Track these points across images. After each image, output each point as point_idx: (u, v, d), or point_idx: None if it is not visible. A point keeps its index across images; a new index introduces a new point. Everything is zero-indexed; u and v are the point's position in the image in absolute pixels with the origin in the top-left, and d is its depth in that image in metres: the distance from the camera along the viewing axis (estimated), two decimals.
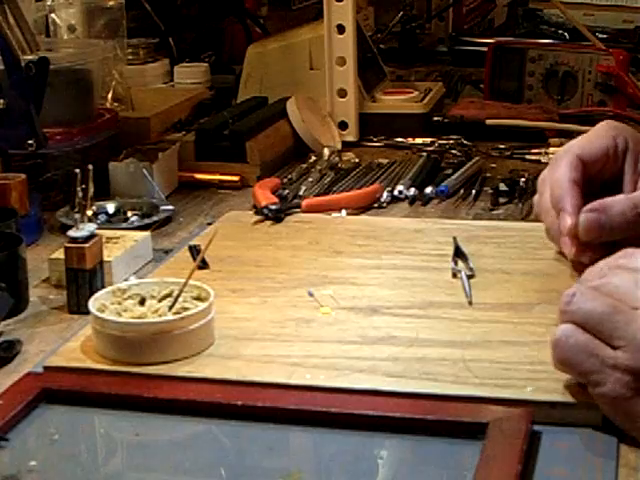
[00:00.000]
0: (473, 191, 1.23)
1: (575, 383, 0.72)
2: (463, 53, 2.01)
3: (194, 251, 0.99)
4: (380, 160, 1.37)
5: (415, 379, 0.75)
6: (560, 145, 1.39)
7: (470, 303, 0.88)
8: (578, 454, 0.67)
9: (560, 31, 2.04)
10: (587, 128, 1.43)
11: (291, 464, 0.69)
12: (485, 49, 1.71)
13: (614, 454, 0.67)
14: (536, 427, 0.69)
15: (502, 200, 1.20)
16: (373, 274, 0.95)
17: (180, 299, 0.82)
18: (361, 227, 1.08)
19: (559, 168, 0.91)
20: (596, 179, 0.93)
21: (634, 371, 0.66)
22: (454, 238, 1.00)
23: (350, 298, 0.90)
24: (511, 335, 0.81)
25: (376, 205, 1.19)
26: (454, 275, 0.94)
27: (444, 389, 0.73)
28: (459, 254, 0.97)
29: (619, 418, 0.68)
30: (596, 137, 0.93)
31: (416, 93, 1.56)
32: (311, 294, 0.90)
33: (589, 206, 0.87)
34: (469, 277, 0.93)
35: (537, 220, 0.98)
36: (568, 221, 0.88)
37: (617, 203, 0.87)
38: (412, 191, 1.21)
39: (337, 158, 1.34)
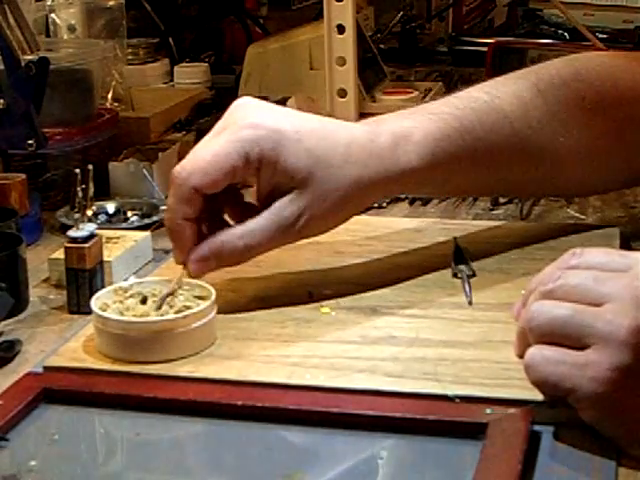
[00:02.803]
0: None
1: None
2: (463, 53, 2.01)
3: None
4: None
5: (415, 379, 0.75)
6: None
7: (470, 303, 0.88)
8: (578, 454, 0.67)
9: (560, 31, 2.04)
10: None
11: (291, 464, 0.69)
12: (485, 49, 1.71)
13: (614, 454, 0.67)
14: (536, 427, 0.69)
15: (502, 200, 1.20)
16: (373, 274, 0.95)
17: (173, 298, 0.82)
18: (361, 227, 1.08)
19: (171, 200, 0.84)
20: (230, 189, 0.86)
21: (611, 365, 0.65)
22: (454, 238, 1.00)
23: (350, 298, 0.90)
24: (511, 335, 0.81)
25: (376, 205, 1.19)
26: (454, 275, 0.94)
27: (444, 389, 0.73)
28: (459, 254, 0.97)
29: (607, 422, 0.67)
30: (219, 156, 0.83)
31: (416, 93, 1.56)
32: (311, 294, 0.90)
33: (196, 254, 0.84)
34: (469, 277, 0.93)
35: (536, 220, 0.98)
36: (179, 259, 0.86)
37: (226, 244, 0.84)
38: None
39: None
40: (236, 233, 0.85)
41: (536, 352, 0.68)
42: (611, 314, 0.66)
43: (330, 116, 1.45)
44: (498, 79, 0.97)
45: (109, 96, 1.44)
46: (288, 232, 0.85)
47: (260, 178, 0.85)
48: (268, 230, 0.85)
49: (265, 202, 0.86)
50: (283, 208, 0.84)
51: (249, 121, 0.85)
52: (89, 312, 0.82)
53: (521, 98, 0.95)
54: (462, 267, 0.94)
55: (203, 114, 1.49)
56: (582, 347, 0.67)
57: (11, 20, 1.12)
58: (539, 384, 0.69)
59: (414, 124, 0.90)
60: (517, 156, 0.95)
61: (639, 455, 0.66)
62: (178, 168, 0.84)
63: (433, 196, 1.02)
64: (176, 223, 0.84)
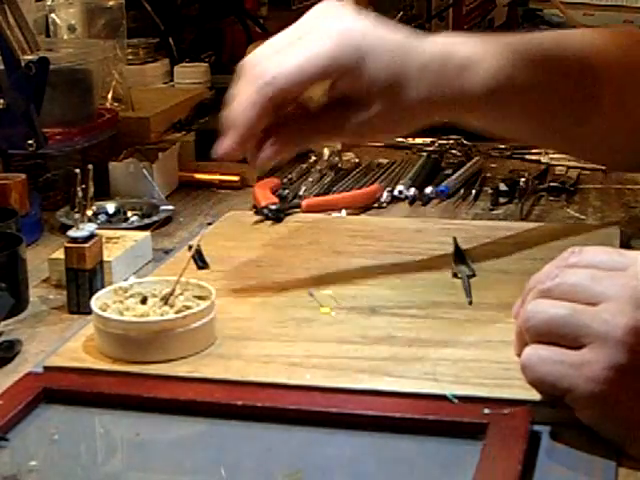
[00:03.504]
0: (473, 191, 1.23)
1: None
2: None
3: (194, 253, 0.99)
4: (380, 160, 1.37)
5: (415, 379, 0.75)
6: None
7: (470, 303, 0.88)
8: (578, 454, 0.67)
9: None
10: None
11: (291, 464, 0.69)
12: None
13: (614, 454, 0.67)
14: (536, 427, 0.69)
15: (502, 200, 1.20)
16: (373, 274, 0.95)
17: (173, 298, 0.82)
18: (361, 227, 1.08)
19: (247, 98, 0.85)
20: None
21: (607, 364, 0.65)
22: (454, 238, 1.00)
23: (350, 298, 0.90)
24: (511, 335, 0.81)
25: (376, 205, 1.19)
26: (454, 275, 0.94)
27: (444, 389, 0.73)
28: (459, 254, 0.97)
29: (604, 422, 0.67)
30: (313, 60, 0.85)
31: None
32: (311, 294, 0.90)
33: (270, 142, 0.86)
34: (469, 277, 0.93)
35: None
36: (236, 148, 0.85)
37: (294, 140, 0.89)
38: (412, 191, 1.21)
39: (337, 158, 1.34)
40: (308, 122, 0.88)
41: (532, 352, 0.69)
42: (607, 313, 0.66)
43: None
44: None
45: (109, 96, 1.44)
46: (355, 135, 0.90)
47: (335, 86, 0.87)
48: (337, 127, 0.88)
49: (332, 108, 0.88)
50: (356, 115, 0.87)
51: (331, 31, 0.86)
52: (89, 312, 0.82)
53: (593, 46, 0.96)
54: (462, 267, 0.95)
55: (203, 114, 1.49)
56: (579, 347, 0.67)
57: (11, 20, 1.12)
58: (536, 384, 0.69)
59: (486, 50, 0.90)
60: (577, 103, 0.95)
61: (638, 455, 0.66)
62: (261, 69, 0.85)
63: (492, 132, 1.03)
64: (246, 118, 0.84)
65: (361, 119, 0.87)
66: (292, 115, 0.88)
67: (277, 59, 0.85)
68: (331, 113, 0.88)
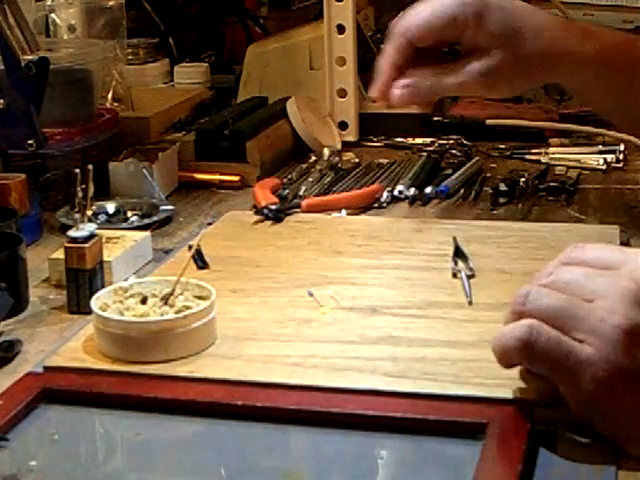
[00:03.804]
0: (473, 191, 1.23)
1: None
2: None
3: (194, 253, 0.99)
4: (380, 160, 1.37)
5: (415, 379, 0.75)
6: (560, 145, 1.39)
7: (470, 303, 0.88)
8: (578, 455, 0.67)
9: None
10: (587, 128, 1.44)
11: (291, 464, 0.69)
12: None
13: (614, 455, 0.67)
14: (536, 427, 0.69)
15: (502, 200, 1.20)
16: (373, 274, 0.95)
17: (173, 298, 0.82)
18: (361, 227, 1.08)
19: (387, 49, 1.05)
20: (445, 44, 1.08)
21: (602, 365, 0.65)
22: (454, 238, 1.00)
23: (350, 298, 0.90)
24: None
25: (376, 205, 1.19)
26: (454, 275, 0.94)
27: (444, 389, 0.73)
28: (459, 254, 0.97)
29: (603, 421, 0.67)
30: (437, 14, 1.03)
31: None
32: (311, 294, 0.90)
33: (401, 83, 1.04)
34: (469, 277, 0.93)
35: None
36: (380, 90, 1.05)
37: (426, 82, 1.04)
38: (412, 191, 1.21)
39: (337, 158, 1.34)
40: (440, 73, 1.05)
41: (541, 329, 0.67)
42: (603, 310, 0.66)
43: (330, 116, 1.46)
44: None
45: (109, 96, 1.44)
46: (479, 84, 1.03)
47: (464, 37, 1.03)
48: (463, 76, 1.03)
49: (460, 60, 1.05)
50: (479, 63, 1.02)
51: None
52: (89, 312, 0.82)
53: None
54: (462, 267, 0.95)
55: (203, 114, 1.49)
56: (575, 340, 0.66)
57: (11, 20, 1.12)
58: (537, 362, 0.68)
59: (603, 30, 1.06)
60: None
61: (638, 454, 0.66)
62: (398, 22, 1.05)
63: (587, 99, 1.17)
64: (386, 64, 1.04)
65: (485, 67, 1.01)
66: (426, 67, 1.05)
67: (410, 16, 1.04)
68: (459, 64, 1.04)
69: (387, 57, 1.04)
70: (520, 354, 0.68)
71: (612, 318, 0.65)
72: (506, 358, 0.69)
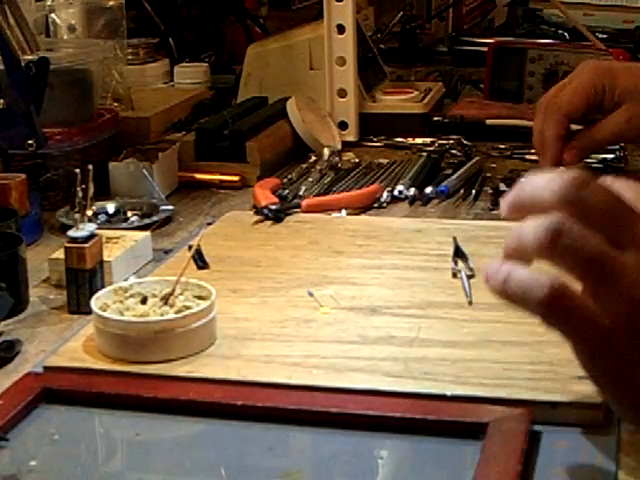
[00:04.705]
0: (473, 191, 1.23)
1: (574, 382, 0.72)
2: (463, 53, 2.01)
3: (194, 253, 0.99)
4: (380, 160, 1.37)
5: (415, 379, 0.75)
6: None
7: (470, 303, 0.88)
8: (578, 454, 0.67)
9: (560, 31, 2.04)
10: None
11: (291, 464, 0.69)
12: (485, 49, 1.71)
13: (614, 454, 0.67)
14: (536, 427, 0.69)
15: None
16: (373, 274, 0.95)
17: (173, 298, 0.82)
18: (361, 227, 1.08)
19: (548, 126, 1.21)
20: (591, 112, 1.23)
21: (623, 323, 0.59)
22: (454, 238, 1.00)
23: (350, 298, 0.90)
24: (511, 335, 0.81)
25: (376, 205, 1.19)
26: (454, 275, 0.94)
27: (444, 389, 0.73)
28: (459, 254, 0.97)
29: (605, 381, 0.62)
30: (581, 87, 1.21)
31: (416, 93, 1.56)
32: (311, 294, 0.90)
33: (572, 146, 1.21)
34: (469, 277, 0.93)
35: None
36: (547, 166, 1.20)
37: (587, 138, 1.22)
38: (412, 191, 1.21)
39: (337, 158, 1.34)
40: (592, 131, 1.22)
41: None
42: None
43: (330, 116, 1.45)
44: None
45: (109, 96, 1.44)
46: (623, 131, 1.22)
47: (605, 100, 1.21)
48: (611, 126, 1.22)
49: (601, 120, 1.23)
50: (619, 114, 1.21)
51: (589, 66, 1.24)
52: (89, 312, 0.82)
53: None
54: (462, 267, 0.95)
55: (203, 114, 1.49)
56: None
57: (11, 20, 1.12)
58: (561, 261, 0.60)
59: None
60: None
61: (633, 422, 0.64)
62: (546, 99, 1.24)
63: None
64: (548, 141, 1.21)
65: (627, 115, 1.20)
66: (577, 131, 1.23)
67: (557, 92, 1.23)
68: (601, 121, 1.22)
69: (550, 132, 1.21)
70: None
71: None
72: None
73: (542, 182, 0.62)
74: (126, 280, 0.90)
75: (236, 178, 1.29)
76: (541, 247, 0.60)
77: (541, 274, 0.60)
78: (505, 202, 0.65)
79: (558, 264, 0.60)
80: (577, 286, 0.61)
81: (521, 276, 0.60)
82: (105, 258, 0.94)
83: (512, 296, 0.61)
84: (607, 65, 1.26)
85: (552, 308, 0.59)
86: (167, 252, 1.06)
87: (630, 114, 1.22)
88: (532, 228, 0.61)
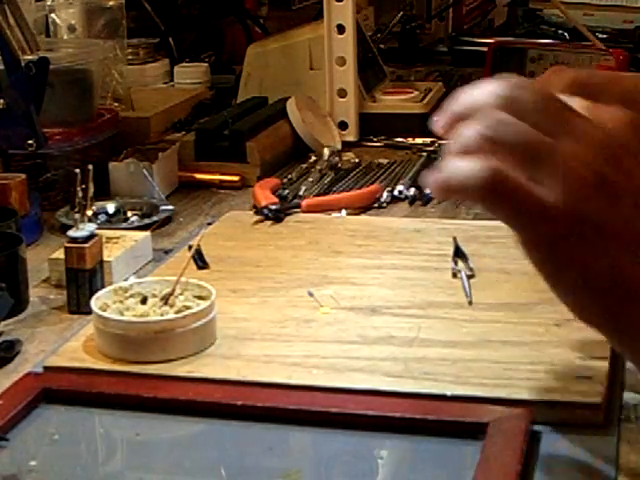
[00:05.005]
0: None
1: (574, 382, 0.72)
2: (463, 53, 2.01)
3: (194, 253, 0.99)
4: (380, 160, 1.37)
5: (415, 379, 0.75)
6: None
7: (470, 303, 0.88)
8: (578, 454, 0.67)
9: (560, 31, 2.04)
10: None
11: (291, 464, 0.69)
12: (485, 49, 1.71)
13: (614, 454, 0.67)
14: (536, 427, 0.69)
15: None
16: (373, 274, 0.95)
17: (173, 298, 0.82)
18: (361, 227, 1.08)
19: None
20: None
21: (563, 213, 0.58)
22: (454, 238, 1.00)
23: (350, 298, 0.90)
24: (511, 335, 0.81)
25: (376, 205, 1.19)
26: (454, 275, 0.94)
27: (444, 389, 0.73)
28: (459, 254, 0.97)
29: (549, 268, 0.60)
30: None
31: (416, 93, 1.56)
32: (311, 294, 0.90)
33: None
34: (469, 277, 0.93)
35: None
36: None
37: None
38: (412, 191, 1.21)
39: (337, 158, 1.34)
40: None
41: (500, 166, 0.59)
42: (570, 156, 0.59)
43: (330, 116, 1.45)
44: None
45: (109, 96, 1.44)
46: None
47: None
48: None
49: None
50: None
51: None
52: (89, 312, 0.82)
53: None
54: (462, 267, 0.95)
55: (203, 114, 1.49)
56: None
57: (11, 20, 1.12)
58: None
59: None
60: None
61: (587, 320, 0.60)
62: None
63: None
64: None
65: None
66: None
67: None
68: None
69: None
70: (479, 196, 0.59)
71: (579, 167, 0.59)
72: (460, 194, 0.60)
73: (476, 91, 0.61)
74: (126, 280, 0.90)
75: (236, 178, 1.29)
76: (478, 142, 0.60)
77: (479, 161, 0.59)
78: (442, 117, 0.63)
79: (496, 156, 0.59)
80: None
81: (459, 167, 0.60)
82: (105, 258, 0.94)
83: (453, 187, 0.60)
84: None
85: (493, 191, 0.59)
86: (167, 252, 1.06)
87: None
88: (471, 126, 0.60)
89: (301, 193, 1.21)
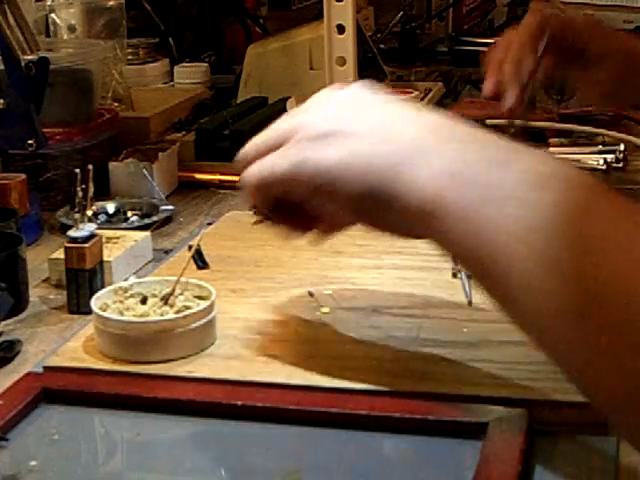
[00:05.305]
0: None
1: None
2: (463, 53, 2.01)
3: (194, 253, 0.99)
4: None
5: (415, 379, 0.75)
6: (560, 145, 1.39)
7: (470, 303, 0.88)
8: (578, 454, 0.67)
9: None
10: (587, 128, 1.44)
11: (290, 464, 0.69)
12: (485, 49, 1.71)
13: (614, 454, 0.67)
14: (536, 427, 0.69)
15: None
16: (373, 274, 0.95)
17: (173, 298, 0.82)
18: (361, 227, 1.08)
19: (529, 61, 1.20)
20: None
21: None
22: None
23: (350, 298, 0.90)
24: (511, 335, 0.81)
25: None
26: (454, 275, 0.94)
27: (444, 389, 0.73)
28: None
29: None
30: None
31: (416, 93, 1.56)
32: (311, 294, 0.90)
33: None
34: (469, 277, 0.92)
35: None
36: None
37: None
38: None
39: None
40: None
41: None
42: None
43: None
44: None
45: (109, 96, 1.44)
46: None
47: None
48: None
49: None
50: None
51: None
52: (89, 312, 0.82)
53: None
54: (462, 267, 0.94)
55: (203, 114, 1.49)
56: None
57: (11, 20, 1.12)
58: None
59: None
60: None
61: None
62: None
63: None
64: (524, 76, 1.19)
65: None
66: None
67: None
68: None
69: (530, 67, 1.18)
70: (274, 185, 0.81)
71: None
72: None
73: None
74: (126, 280, 0.90)
75: (236, 178, 1.28)
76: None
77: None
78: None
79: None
80: None
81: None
82: (105, 258, 0.94)
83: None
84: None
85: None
86: (167, 252, 1.06)
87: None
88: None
89: None
